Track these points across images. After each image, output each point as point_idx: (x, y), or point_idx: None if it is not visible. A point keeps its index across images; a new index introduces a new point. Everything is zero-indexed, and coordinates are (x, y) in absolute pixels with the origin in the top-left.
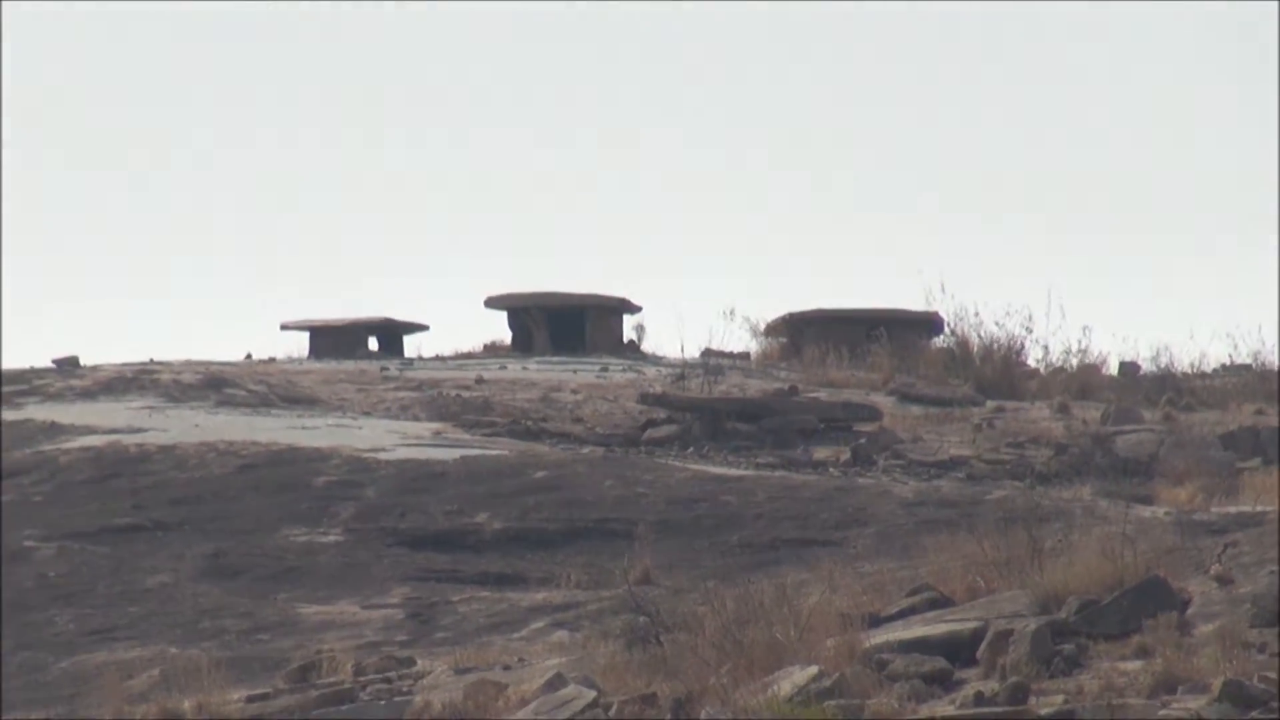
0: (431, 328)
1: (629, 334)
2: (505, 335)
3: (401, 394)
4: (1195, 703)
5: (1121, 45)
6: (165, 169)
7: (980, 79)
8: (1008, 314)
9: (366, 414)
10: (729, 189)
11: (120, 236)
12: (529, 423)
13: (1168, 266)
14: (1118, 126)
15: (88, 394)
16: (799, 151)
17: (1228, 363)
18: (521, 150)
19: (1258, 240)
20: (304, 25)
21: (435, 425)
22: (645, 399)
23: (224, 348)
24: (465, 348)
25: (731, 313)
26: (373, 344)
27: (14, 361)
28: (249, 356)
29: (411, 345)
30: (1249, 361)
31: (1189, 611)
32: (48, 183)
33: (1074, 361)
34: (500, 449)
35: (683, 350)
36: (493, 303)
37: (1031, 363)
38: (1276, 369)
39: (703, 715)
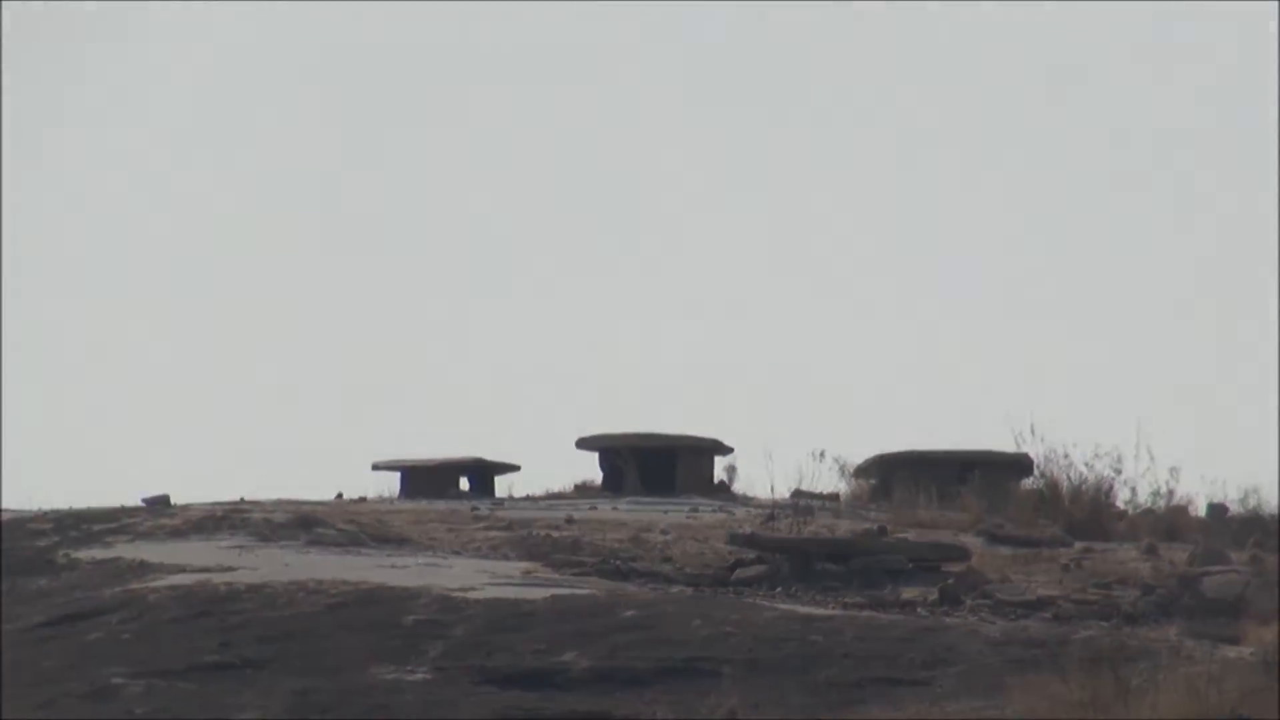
0: (523, 468)
1: (720, 475)
2: (596, 475)
3: (492, 533)
4: None
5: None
6: (255, 304)
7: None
8: (1096, 455)
9: (456, 553)
10: (819, 329)
11: (211, 373)
12: (618, 562)
13: (1259, 403)
14: (1196, 248)
15: (178, 533)
16: (890, 290)
17: None
18: (613, 289)
19: None
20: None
21: (525, 565)
22: (735, 539)
23: (315, 487)
24: (556, 488)
25: (821, 454)
26: (464, 484)
27: (104, 499)
28: (340, 496)
29: (503, 485)
30: None
31: None
32: (137, 325)
33: (1162, 503)
34: (589, 588)
35: (773, 491)
36: (584, 443)
37: (1120, 504)
38: None
39: None
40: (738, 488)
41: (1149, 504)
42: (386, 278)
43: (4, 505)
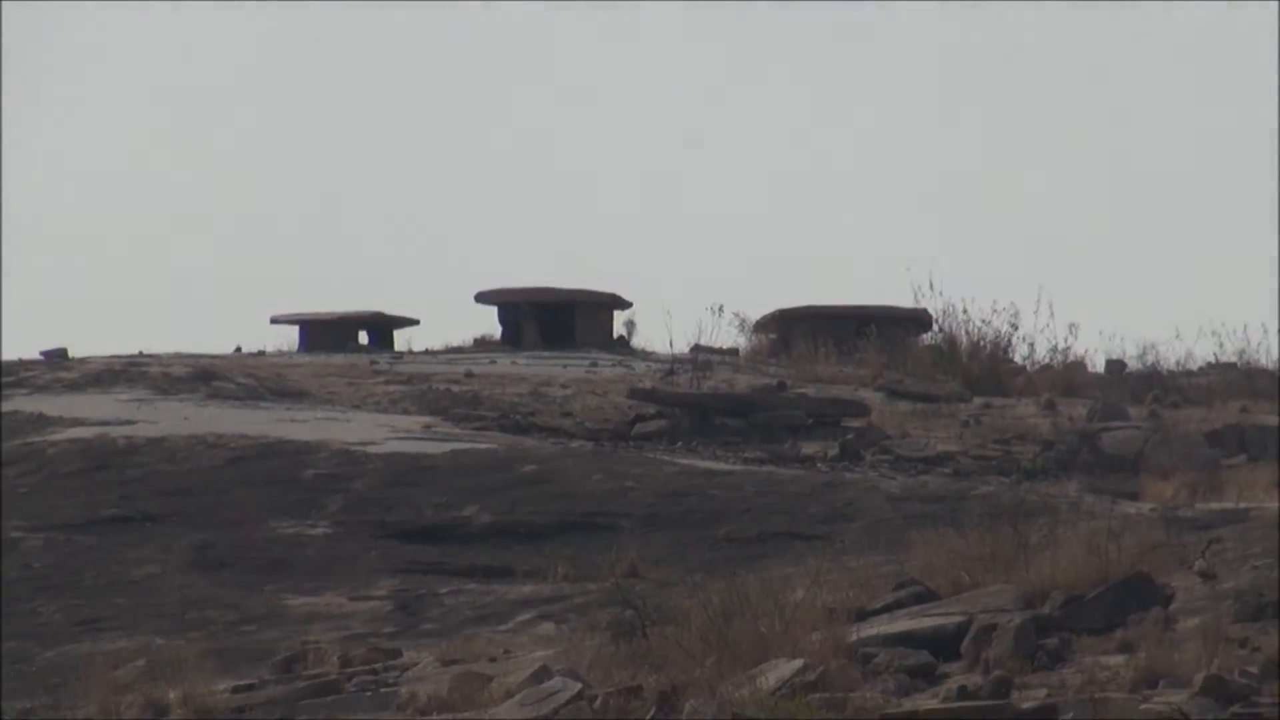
0: (422, 322)
1: (619, 330)
2: (495, 330)
3: (391, 388)
4: (1177, 697)
5: (1118, 42)
6: (158, 162)
7: (974, 75)
8: (995, 311)
9: (356, 407)
10: (719, 185)
11: (111, 229)
12: (518, 417)
13: (1155, 264)
14: (1110, 123)
15: (76, 386)
16: (790, 147)
17: (1213, 361)
18: (514, 145)
19: (1247, 239)
20: (299, 18)
21: (424, 419)
22: (634, 394)
23: (214, 341)
24: (455, 342)
25: (721, 309)
26: (363, 338)
27: (1, 353)
28: (239, 350)
29: (402, 339)
30: (1235, 360)
31: (1172, 607)
32: (41, 175)
33: (1060, 359)
34: (489, 443)
35: (672, 346)
36: (483, 298)
37: (1018, 360)
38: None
39: (687, 708)
40: (637, 343)
41: (1047, 360)
42: (291, 133)
43: None
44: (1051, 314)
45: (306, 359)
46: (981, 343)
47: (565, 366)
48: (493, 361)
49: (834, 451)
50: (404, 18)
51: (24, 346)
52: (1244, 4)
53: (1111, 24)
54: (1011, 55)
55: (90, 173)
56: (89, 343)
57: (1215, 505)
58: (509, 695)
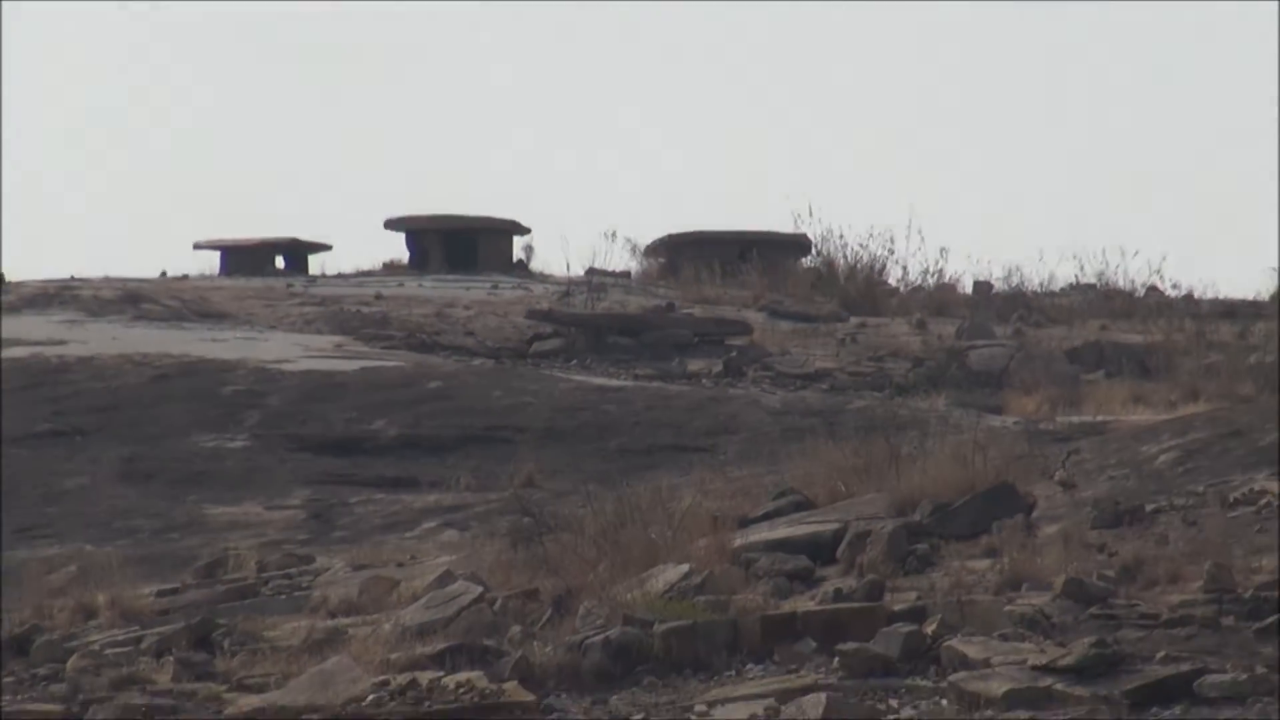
0: (334, 247)
1: (518, 254)
2: (403, 255)
3: (306, 309)
4: (1039, 599)
5: None
6: (85, 93)
7: (856, 10)
8: (871, 236)
9: (273, 328)
10: (614, 115)
11: (46, 158)
12: (424, 336)
13: (1021, 190)
14: (968, 45)
15: (11, 309)
16: (678, 80)
17: (1074, 282)
18: (424, 76)
19: (1107, 165)
20: None
21: (336, 338)
22: (532, 315)
23: (141, 265)
24: (365, 266)
25: (613, 234)
26: (280, 262)
27: None
28: (164, 274)
29: (316, 264)
30: (1094, 281)
31: (1034, 514)
32: None
33: (931, 281)
34: (396, 361)
35: (568, 269)
36: (391, 224)
37: (892, 282)
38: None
39: (581, 610)
40: (535, 266)
41: (919, 282)
42: (213, 66)
43: None
44: (923, 239)
45: (227, 282)
46: (858, 266)
47: (468, 289)
48: (401, 285)
49: (718, 368)
50: None
51: None
52: None
53: None
54: None
55: (23, 103)
56: (24, 267)
57: (1075, 419)
58: (415, 598)
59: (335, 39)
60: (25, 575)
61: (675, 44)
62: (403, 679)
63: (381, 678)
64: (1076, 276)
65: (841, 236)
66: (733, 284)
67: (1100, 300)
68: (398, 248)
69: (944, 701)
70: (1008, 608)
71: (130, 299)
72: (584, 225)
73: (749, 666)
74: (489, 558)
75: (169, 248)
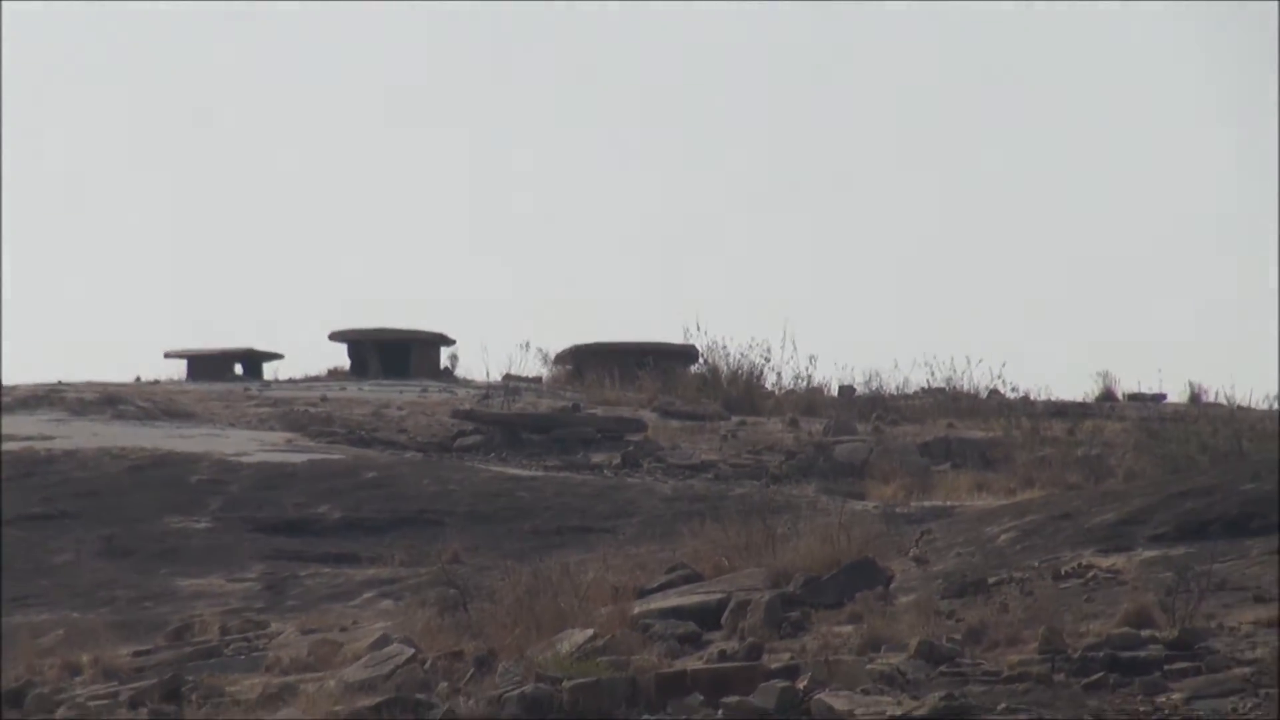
0: (285, 356)
1: (445, 362)
2: (345, 363)
3: (261, 409)
4: (895, 658)
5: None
6: (71, 208)
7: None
8: (750, 346)
9: (232, 425)
10: (524, 239)
11: (32, 273)
12: (363, 433)
13: (879, 306)
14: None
15: (7, 409)
16: (582, 199)
17: (926, 386)
18: (357, 198)
19: (955, 285)
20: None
21: (287, 435)
22: (457, 414)
23: (119, 371)
24: (313, 372)
25: (527, 345)
26: (238, 369)
27: None
28: (138, 379)
29: (270, 370)
30: (943, 385)
31: (892, 585)
32: None
33: (802, 385)
34: (339, 454)
35: (488, 375)
36: (336, 336)
37: (768, 385)
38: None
39: (500, 669)
40: (460, 372)
41: (792, 385)
42: (176, 183)
43: None
44: (795, 348)
45: (192, 386)
46: (738, 372)
47: (401, 392)
48: (343, 388)
49: (617, 460)
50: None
51: None
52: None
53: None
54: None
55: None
56: (14, 371)
57: (926, 503)
58: (356, 658)
59: (286, 159)
60: (20, 638)
61: (559, 165)
62: None
63: None
64: (928, 381)
65: (724, 346)
66: (630, 387)
67: (948, 401)
68: (340, 356)
69: None
70: (869, 666)
71: (109, 400)
72: (502, 337)
73: (645, 718)
74: (420, 623)
75: (142, 356)
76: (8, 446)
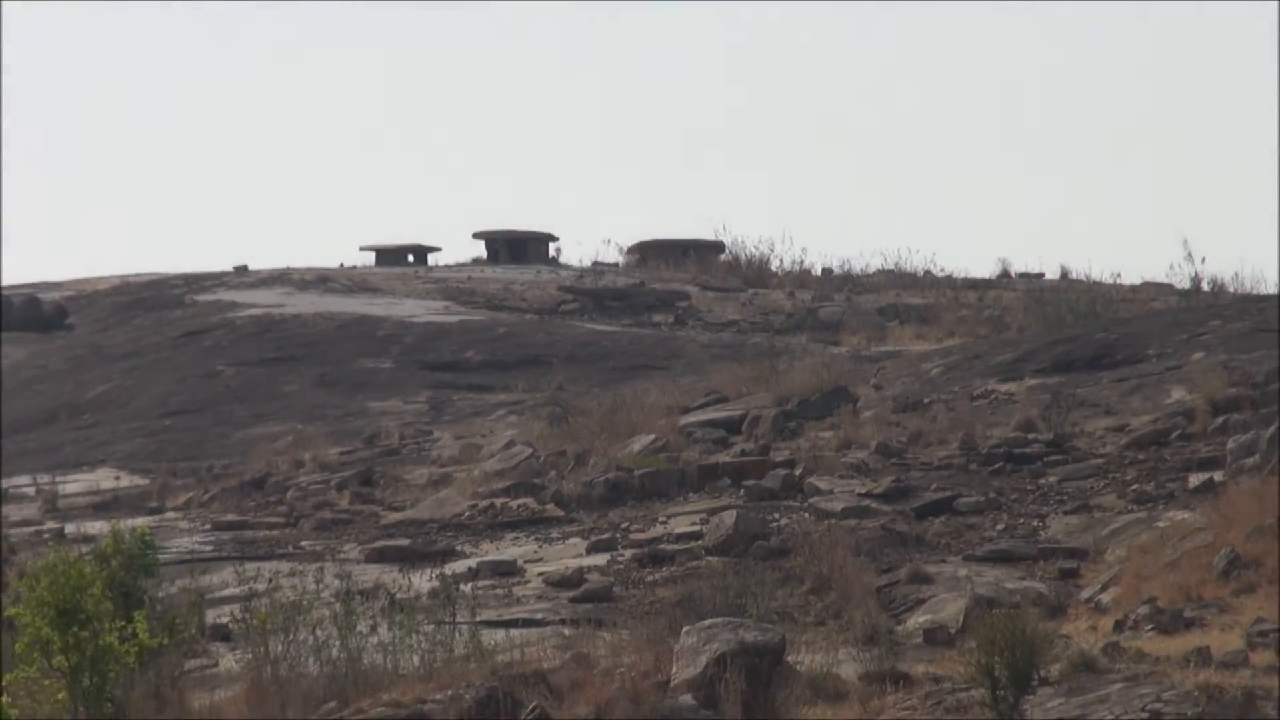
0: (443, 249)
1: (553, 252)
2: (483, 253)
3: (426, 285)
4: (861, 454)
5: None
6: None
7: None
8: (760, 240)
9: (407, 296)
10: (628, 145)
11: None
12: (496, 301)
13: (857, 209)
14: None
15: (252, 285)
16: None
17: (881, 268)
18: (501, 113)
19: (918, 181)
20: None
21: (445, 303)
22: (561, 289)
23: (329, 258)
24: (462, 259)
25: (609, 241)
26: (410, 258)
27: (209, 265)
28: (342, 264)
29: (432, 258)
30: (892, 267)
31: (859, 404)
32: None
33: (796, 267)
34: (480, 315)
35: (581, 262)
36: (477, 235)
37: (774, 268)
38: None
39: (591, 461)
40: (564, 260)
41: (790, 268)
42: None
43: (148, 269)
44: (792, 242)
45: (380, 270)
46: (753, 258)
47: (522, 273)
48: (482, 271)
49: (671, 320)
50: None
51: (221, 262)
52: None
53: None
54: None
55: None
56: (259, 260)
57: (882, 349)
58: (492, 455)
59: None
60: (260, 443)
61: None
62: (485, 503)
63: (473, 502)
64: (882, 264)
65: (743, 241)
66: (679, 270)
67: (896, 278)
68: (480, 249)
69: (806, 515)
70: (843, 459)
71: (321, 279)
72: (591, 233)
73: (690, 495)
74: (536, 431)
75: (345, 248)
76: (252, 312)
